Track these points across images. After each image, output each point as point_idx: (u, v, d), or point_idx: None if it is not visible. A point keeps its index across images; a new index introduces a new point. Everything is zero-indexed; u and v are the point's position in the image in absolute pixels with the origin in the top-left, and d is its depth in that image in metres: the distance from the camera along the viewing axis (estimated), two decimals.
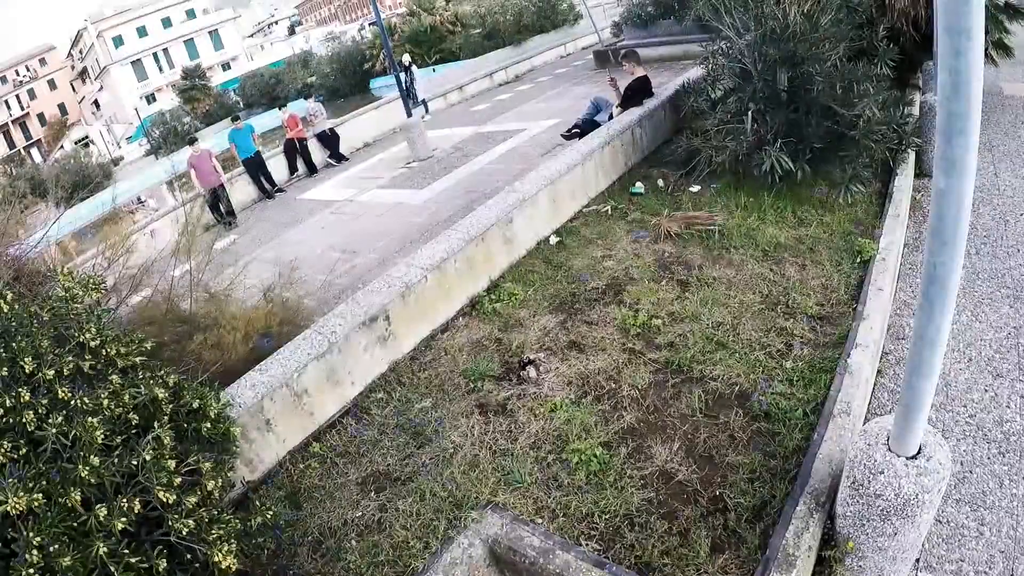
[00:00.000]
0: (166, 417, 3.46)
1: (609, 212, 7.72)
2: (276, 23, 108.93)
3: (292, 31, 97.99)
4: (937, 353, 2.87)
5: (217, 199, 14.19)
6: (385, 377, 5.47)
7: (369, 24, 58.73)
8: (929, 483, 3.13)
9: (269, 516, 3.83)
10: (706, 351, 5.18)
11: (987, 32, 10.37)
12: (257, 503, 4.14)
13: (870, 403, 5.11)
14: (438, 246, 6.19)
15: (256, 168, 15.36)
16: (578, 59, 25.90)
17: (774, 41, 7.62)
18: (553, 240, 7.33)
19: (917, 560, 3.89)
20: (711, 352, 5.17)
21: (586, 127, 10.00)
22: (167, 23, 72.59)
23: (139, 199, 20.96)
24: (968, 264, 6.74)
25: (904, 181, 7.39)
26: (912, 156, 7.95)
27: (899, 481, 3.13)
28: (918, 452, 3.23)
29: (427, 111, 20.28)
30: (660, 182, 8.47)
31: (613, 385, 4.98)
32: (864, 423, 3.84)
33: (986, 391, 5.13)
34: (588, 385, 5.03)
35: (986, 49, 10.68)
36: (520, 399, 4.97)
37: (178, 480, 3.20)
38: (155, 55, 71.70)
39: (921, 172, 8.45)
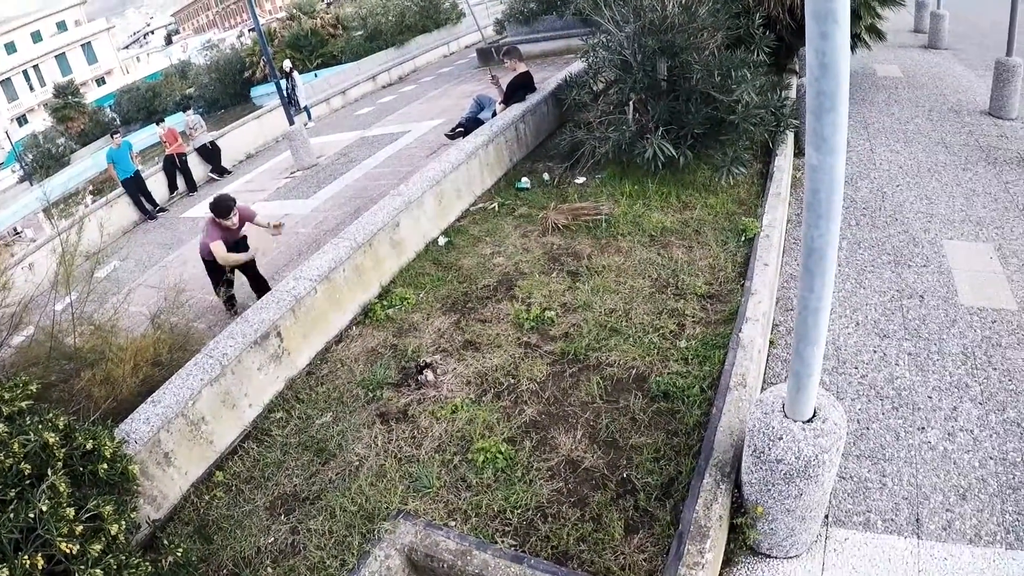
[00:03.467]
0: (60, 463, 3.31)
1: (496, 209, 7.74)
2: (152, 32, 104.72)
3: (169, 40, 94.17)
4: (821, 320, 2.97)
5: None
6: (283, 395, 5.33)
7: (248, 30, 57.17)
8: (827, 443, 3.25)
9: (180, 554, 3.73)
10: (601, 338, 5.25)
11: (860, 17, 10.94)
12: (166, 542, 4.03)
13: (765, 374, 5.27)
14: (326, 256, 6.06)
15: (136, 188, 14.52)
16: (461, 58, 25.92)
17: (653, 32, 7.76)
18: (442, 241, 7.29)
19: (826, 516, 4.03)
20: (606, 339, 5.23)
21: (470, 125, 9.97)
22: (37, 37, 67.71)
23: (15, 230, 19.94)
24: (849, 235, 7.07)
25: (784, 161, 7.65)
26: (791, 136, 8.24)
27: (798, 445, 3.25)
28: (813, 415, 3.36)
29: (310, 118, 19.92)
30: (546, 176, 8.54)
31: (512, 380, 5.00)
32: (760, 393, 3.97)
33: (875, 352, 5.41)
34: (487, 383, 5.03)
35: (859, 33, 11.28)
36: (420, 404, 4.93)
37: (80, 528, 3.08)
38: (25, 73, 67.69)
39: (800, 151, 8.75)
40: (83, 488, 3.44)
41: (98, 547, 3.09)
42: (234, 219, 6.87)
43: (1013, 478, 4.24)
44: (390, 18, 32.95)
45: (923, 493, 4.17)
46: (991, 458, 4.39)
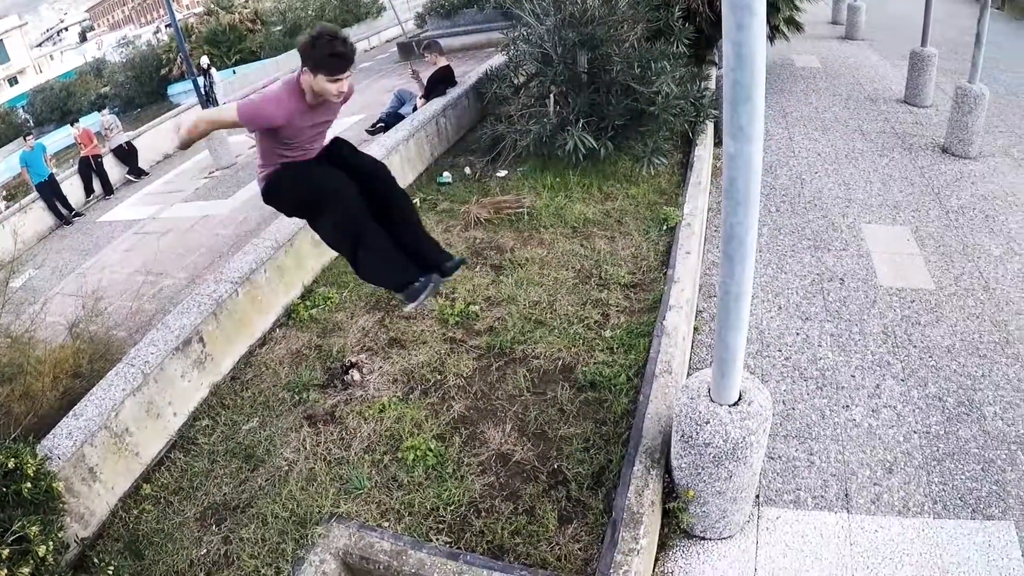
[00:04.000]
0: None
1: (418, 204, 7.64)
2: (66, 29, 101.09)
3: (84, 37, 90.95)
4: (743, 306, 3.03)
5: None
6: (208, 402, 5.18)
7: (165, 26, 55.61)
8: (753, 425, 3.33)
9: (111, 572, 3.64)
10: (526, 331, 5.27)
11: (778, 9, 11.25)
12: (96, 560, 3.93)
13: (690, 359, 5.35)
14: (246, 257, 5.94)
15: (51, 192, 13.95)
16: (382, 52, 25.64)
17: (573, 25, 7.82)
18: None
19: (757, 496, 4.12)
20: (531, 331, 5.26)
21: (390, 121, 9.94)
22: None
23: None
24: (770, 221, 7.24)
25: (703, 150, 7.78)
26: (711, 126, 8.40)
27: (725, 428, 3.32)
28: (739, 399, 3.43)
29: None
30: (467, 170, 8.51)
31: (439, 377, 4.98)
32: (686, 379, 4.06)
33: (798, 334, 5.56)
34: (414, 380, 5.00)
35: (778, 25, 11.56)
36: (348, 404, 4.87)
37: (6, 552, 3.01)
38: None
39: (720, 141, 8.74)
40: (7, 509, 3.33)
41: (26, 570, 3.02)
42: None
43: (937, 450, 4.41)
44: (310, 12, 32.67)
45: (850, 469, 4.31)
46: (915, 432, 4.56)
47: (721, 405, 3.41)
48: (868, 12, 16.03)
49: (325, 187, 3.96)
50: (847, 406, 4.82)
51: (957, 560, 3.72)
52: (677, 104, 7.50)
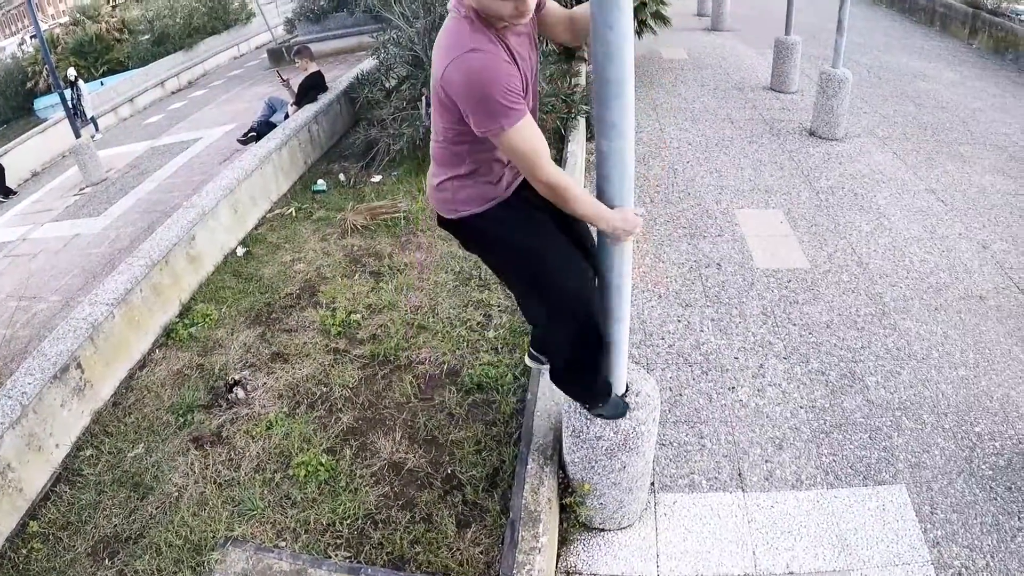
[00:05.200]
0: None
1: (294, 214, 7.61)
2: None
3: None
4: (624, 297, 3.08)
5: None
6: (90, 431, 4.99)
7: (30, 37, 52.67)
8: (642, 415, 3.39)
9: None
10: (409, 337, 5.29)
11: (645, 4, 11.45)
12: None
13: None
14: (121, 277, 5.76)
15: None
16: (252, 59, 25.18)
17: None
18: (240, 251, 7.10)
19: (652, 484, 4.19)
20: (414, 337, 5.28)
21: (262, 130, 9.77)
22: None
23: None
24: (645, 212, 7.34)
25: (576, 147, 7.87)
26: (583, 122, 8.49)
27: (615, 420, 3.37)
28: (627, 390, 3.49)
29: (97, 129, 18.80)
30: (342, 176, 8.48)
31: (324, 389, 4.95)
32: None
33: (679, 321, 5.67)
34: (299, 394, 4.95)
35: (645, 20, 11.78)
36: (234, 423, 4.78)
37: None
38: None
39: (592, 136, 8.94)
40: None
41: None
42: None
43: (824, 423, 4.61)
44: (178, 20, 31.41)
45: (741, 449, 4.44)
46: (801, 407, 4.74)
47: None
48: (732, 4, 16.55)
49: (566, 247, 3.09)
50: (733, 388, 4.97)
51: (854, 527, 3.89)
52: (549, 101, 7.64)
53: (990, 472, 4.26)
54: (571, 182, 2.63)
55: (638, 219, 2.73)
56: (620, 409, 3.37)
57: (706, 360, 5.24)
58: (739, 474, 4.27)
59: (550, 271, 3.00)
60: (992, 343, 5.39)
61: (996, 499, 4.11)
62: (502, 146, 2.53)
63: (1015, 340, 5.42)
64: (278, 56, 19.65)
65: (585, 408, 3.43)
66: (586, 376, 3.34)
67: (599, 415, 3.38)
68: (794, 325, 5.59)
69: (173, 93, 23.27)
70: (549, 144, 7.97)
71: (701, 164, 8.56)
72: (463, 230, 3.07)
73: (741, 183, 7.99)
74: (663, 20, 12.42)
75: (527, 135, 2.49)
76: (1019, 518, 3.97)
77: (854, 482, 4.19)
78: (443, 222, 3.08)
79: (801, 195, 7.60)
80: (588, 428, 3.42)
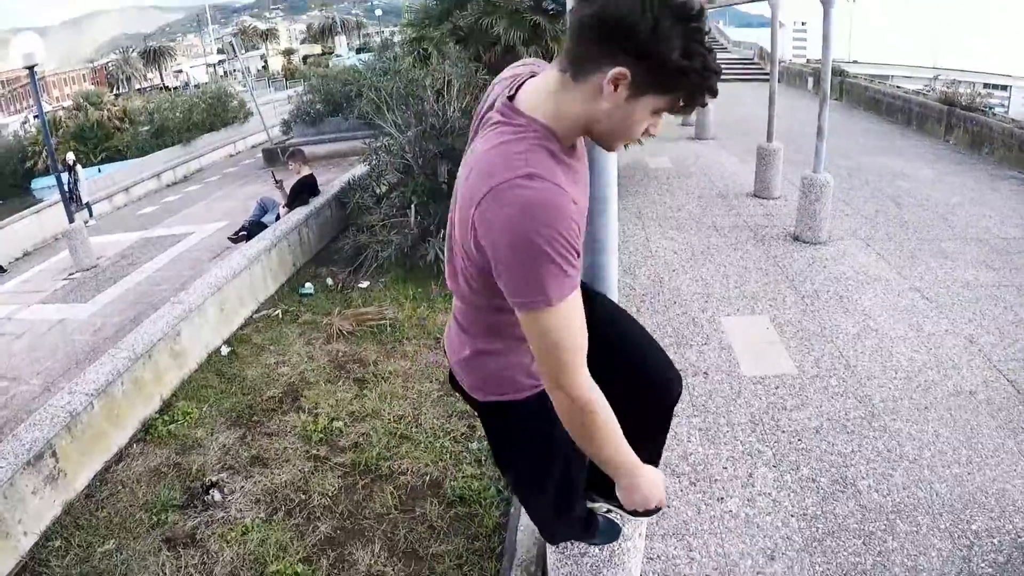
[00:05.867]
0: None
1: (280, 316, 7.62)
2: None
3: None
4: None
5: None
6: (60, 521, 4.88)
7: (34, 117, 53.55)
8: (628, 531, 3.27)
9: None
10: (391, 446, 5.23)
11: None
12: None
13: None
14: (103, 367, 5.71)
15: None
16: (248, 158, 25.52)
17: (434, 137, 8.02)
18: (224, 351, 7.06)
19: None
20: (396, 447, 5.22)
21: (253, 229, 9.82)
22: None
23: None
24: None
25: None
26: None
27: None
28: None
29: (91, 215, 18.90)
30: (329, 281, 8.50)
31: (303, 496, 4.87)
32: None
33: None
34: (277, 500, 4.86)
35: None
36: (209, 526, 4.68)
37: None
38: None
39: None
40: None
41: None
42: None
43: (816, 531, 4.49)
44: (178, 114, 32.11)
45: (732, 561, 4.31)
46: (792, 516, 4.63)
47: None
48: (716, 113, 16.99)
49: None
50: (722, 498, 4.85)
51: None
52: None
53: (990, 570, 4.21)
54: (605, 404, 1.80)
55: (663, 492, 2.14)
56: (615, 531, 3.19)
57: (694, 471, 5.12)
58: None
59: (576, 475, 2.53)
60: (984, 438, 5.37)
61: None
62: (529, 324, 1.67)
63: (1007, 433, 5.41)
64: (273, 156, 19.95)
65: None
66: (579, 532, 3.10)
67: (594, 544, 3.21)
68: (783, 432, 5.51)
69: (168, 186, 23.50)
70: None
71: (687, 272, 8.60)
72: (501, 417, 2.26)
73: (727, 290, 8.02)
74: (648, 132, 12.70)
75: (570, 319, 1.67)
76: None
77: None
78: (469, 399, 2.29)
79: (787, 300, 7.63)
80: (572, 544, 3.30)
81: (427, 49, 11.34)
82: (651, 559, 4.34)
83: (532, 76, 1.80)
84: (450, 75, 8.81)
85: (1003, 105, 29.20)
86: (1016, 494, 4.82)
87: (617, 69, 1.54)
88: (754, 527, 4.55)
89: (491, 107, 1.80)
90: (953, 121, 15.69)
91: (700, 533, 4.53)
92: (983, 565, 4.23)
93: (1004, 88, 32.78)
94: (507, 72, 1.92)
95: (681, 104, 1.70)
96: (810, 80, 25.52)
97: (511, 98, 1.75)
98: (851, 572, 4.19)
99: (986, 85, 31.59)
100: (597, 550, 3.24)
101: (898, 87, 20.98)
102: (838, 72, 22.65)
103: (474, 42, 10.98)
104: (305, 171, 9.98)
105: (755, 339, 6.88)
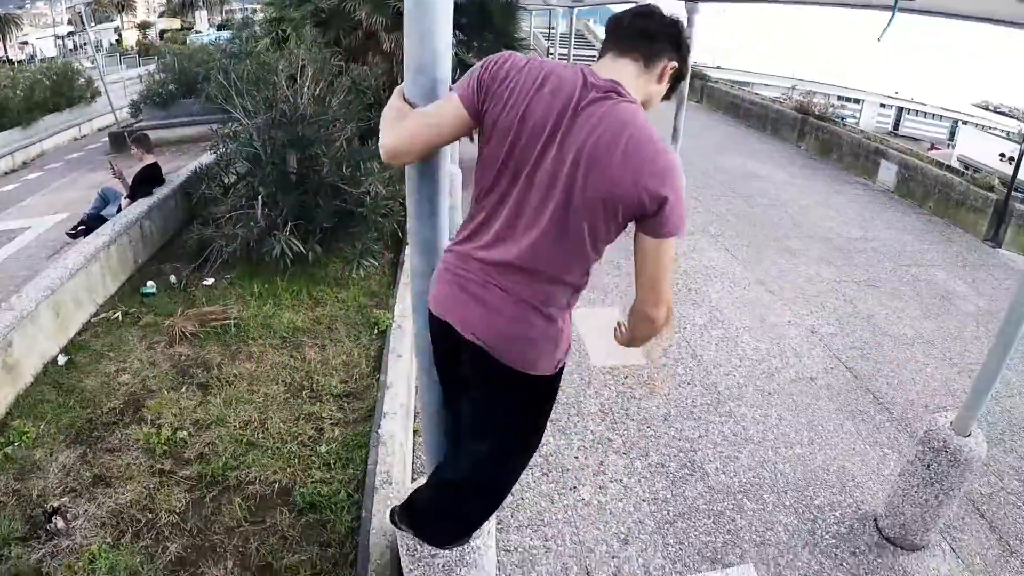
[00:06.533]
0: None
1: (120, 319, 7.19)
2: None
3: None
4: (444, 419, 3.01)
5: None
6: None
7: None
8: (476, 531, 3.27)
9: None
10: (238, 455, 5.02)
11: None
12: None
13: (413, 464, 5.29)
14: None
15: None
16: (94, 142, 24.27)
17: (283, 125, 7.73)
18: (62, 360, 6.58)
19: None
20: (243, 455, 5.01)
21: (92, 223, 9.25)
22: None
23: None
24: None
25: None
26: None
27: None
28: None
29: None
30: (173, 278, 8.05)
31: (150, 515, 4.59)
32: (412, 484, 4.00)
33: None
34: (124, 522, 4.56)
35: None
36: (54, 557, 4.34)
37: None
38: None
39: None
40: None
41: None
42: None
43: (667, 513, 4.71)
44: (18, 92, 29.88)
45: (587, 547, 4.43)
46: (643, 500, 4.82)
47: None
48: None
49: None
50: (575, 487, 4.98)
51: None
52: (386, 204, 7.61)
53: (833, 541, 4.53)
54: None
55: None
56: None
57: (546, 461, 5.24)
58: (587, 573, 4.25)
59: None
60: (824, 420, 5.77)
61: (842, 565, 4.36)
62: (665, 249, 2.28)
63: (845, 415, 5.83)
64: (120, 141, 18.92)
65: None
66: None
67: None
68: (632, 420, 5.70)
69: (5, 174, 22.03)
70: (388, 247, 7.93)
71: None
72: (549, 387, 2.67)
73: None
74: None
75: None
76: None
77: (702, 568, 4.29)
78: (525, 379, 2.52)
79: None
80: (421, 546, 3.29)
81: (286, 31, 11.01)
82: (508, 551, 4.40)
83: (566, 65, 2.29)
84: (304, 60, 8.51)
85: (855, 116, 31.56)
86: (855, 470, 5.18)
87: (672, 62, 2.40)
88: (607, 513, 4.71)
89: (586, 85, 2.19)
90: (806, 128, 16.63)
91: (555, 523, 4.64)
92: (827, 536, 4.56)
93: (857, 102, 35.48)
94: (530, 60, 2.29)
95: (671, 87, 2.49)
96: None
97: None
98: (703, 551, 4.41)
99: (840, 98, 34.20)
100: (447, 552, 3.23)
101: (757, 94, 21.85)
102: (701, 76, 23.54)
103: (335, 26, 10.75)
104: (148, 159, 9.46)
105: (605, 330, 6.96)
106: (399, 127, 2.29)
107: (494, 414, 2.65)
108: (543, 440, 5.23)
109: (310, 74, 8.35)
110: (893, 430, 5.78)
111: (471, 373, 2.59)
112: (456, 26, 9.96)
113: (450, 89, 2.31)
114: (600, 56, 2.40)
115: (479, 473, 2.82)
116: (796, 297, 7.97)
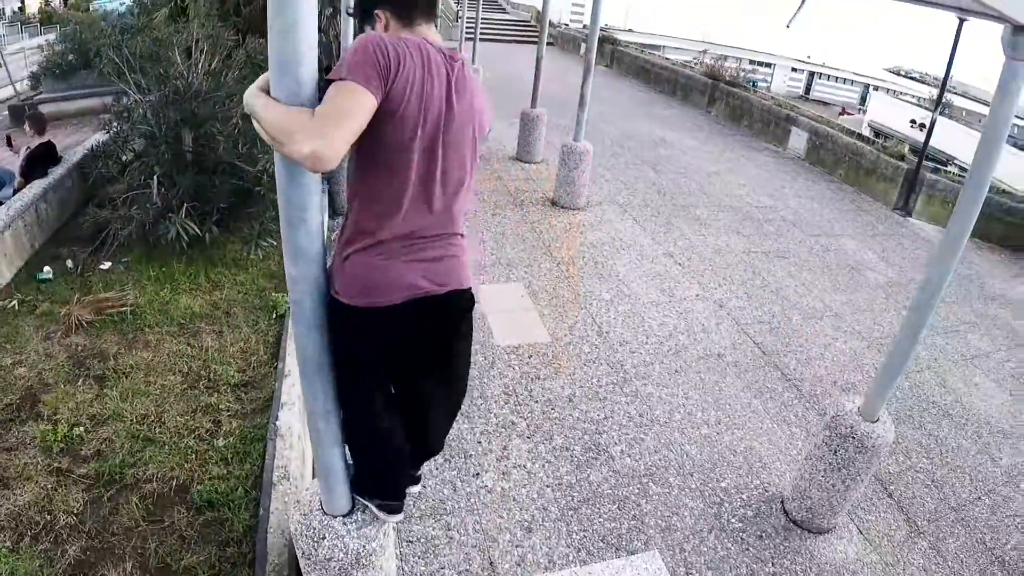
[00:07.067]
0: None
1: (15, 307, 6.92)
2: None
3: None
4: (333, 422, 2.98)
5: None
6: None
7: None
8: (372, 532, 3.27)
9: None
10: (135, 451, 4.92)
11: None
12: None
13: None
14: None
15: None
16: None
17: (177, 102, 7.51)
18: None
19: None
20: (140, 451, 4.92)
21: None
22: None
23: None
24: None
25: None
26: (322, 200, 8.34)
27: (343, 541, 3.23)
28: (353, 506, 3.34)
29: None
30: (69, 263, 7.77)
31: (48, 517, 4.47)
32: (309, 482, 3.96)
33: None
34: (22, 525, 4.44)
35: None
36: None
37: None
38: None
39: (335, 212, 9.01)
40: None
41: None
42: None
43: (572, 499, 4.72)
44: None
45: (490, 536, 4.43)
46: (548, 486, 4.83)
47: (334, 517, 3.31)
48: (485, 74, 17.03)
49: None
50: (477, 474, 4.95)
51: None
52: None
53: (740, 524, 4.58)
54: None
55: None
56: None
57: (448, 447, 5.16)
58: (490, 563, 4.26)
59: None
60: (732, 398, 5.79)
61: (748, 549, 4.43)
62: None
63: (753, 393, 5.85)
64: (20, 113, 18.03)
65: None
66: None
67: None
68: (536, 402, 5.67)
69: None
70: None
71: None
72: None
73: (483, 257, 8.08)
74: None
75: None
76: (773, 563, 4.32)
77: (607, 555, 4.31)
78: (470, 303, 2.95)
79: (542, 267, 7.80)
80: (316, 550, 3.28)
81: (184, 1, 10.65)
82: (410, 542, 4.38)
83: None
84: (199, 34, 8.27)
85: (766, 81, 31.81)
86: (762, 451, 5.23)
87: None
88: (511, 501, 4.69)
89: (447, 58, 2.51)
90: (717, 94, 16.79)
91: (457, 511, 4.61)
92: (733, 520, 4.61)
93: (768, 66, 35.76)
94: (405, 40, 2.39)
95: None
96: (583, 46, 26.17)
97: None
98: (608, 537, 4.45)
99: (751, 62, 34.43)
100: (341, 554, 3.22)
101: (667, 59, 21.93)
102: (611, 40, 23.49)
103: None
104: (42, 139, 9.12)
105: (510, 307, 7.02)
106: (323, 129, 2.11)
107: (469, 351, 3.14)
108: None
109: (204, 49, 8.13)
110: (801, 408, 5.90)
111: (461, 328, 2.94)
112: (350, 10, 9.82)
113: (340, 80, 2.21)
114: (414, 24, 2.57)
115: (451, 418, 3.43)
116: (704, 269, 8.04)
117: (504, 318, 6.83)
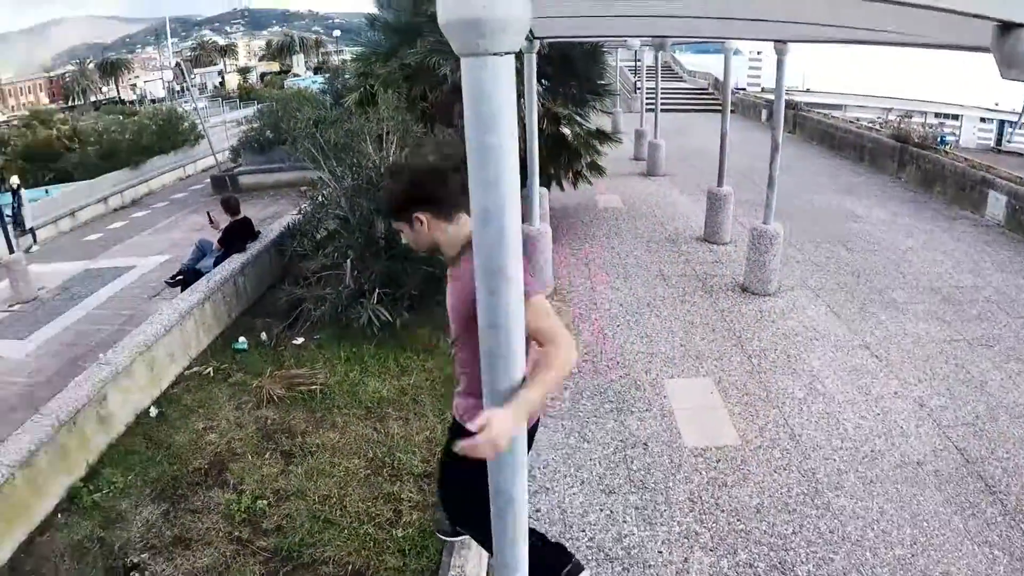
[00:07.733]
0: None
1: (211, 374, 7.29)
2: None
3: None
4: (520, 513, 2.77)
5: None
6: None
7: None
8: None
9: None
10: (315, 531, 4.96)
11: (580, 155, 11.73)
12: None
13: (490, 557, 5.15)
14: (25, 436, 5.38)
15: None
16: (197, 183, 25.23)
17: (369, 191, 7.77)
18: (153, 412, 6.73)
19: None
20: (319, 532, 4.95)
21: (189, 277, 9.51)
22: None
23: None
24: (572, 384, 7.04)
25: None
26: None
27: None
28: None
29: (35, 240, 18.53)
30: (263, 335, 8.14)
31: None
32: None
33: (601, 510, 5.31)
34: None
35: (580, 170, 12.06)
36: None
37: None
38: None
39: None
40: None
41: None
42: None
43: None
44: (127, 136, 31.38)
45: None
46: None
47: None
48: (668, 147, 16.99)
49: None
50: None
51: None
52: None
53: None
54: None
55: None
56: None
57: (628, 555, 4.91)
58: None
59: None
60: (930, 515, 5.22)
61: None
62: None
63: (954, 509, 5.27)
64: (221, 183, 19.58)
65: None
66: None
67: None
68: (722, 511, 5.30)
69: (116, 211, 23.04)
70: None
71: (632, 328, 8.39)
72: None
73: (672, 349, 7.80)
74: (599, 171, 12.64)
75: None
76: None
77: None
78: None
79: (732, 360, 7.45)
80: None
81: (373, 86, 11.12)
82: None
83: None
84: (388, 126, 8.59)
85: (955, 134, 29.82)
86: None
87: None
88: None
89: None
90: (905, 158, 15.86)
91: None
92: None
93: (955, 118, 33.54)
94: None
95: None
96: (763, 112, 25.64)
97: None
98: None
99: (937, 115, 32.43)
100: None
101: (852, 120, 21.20)
102: (792, 105, 22.83)
103: (421, 81, 10.78)
104: (237, 218, 9.73)
105: (698, 405, 6.69)
106: (569, 337, 2.59)
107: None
108: (627, 531, 5.07)
109: (394, 141, 8.40)
110: (1005, 526, 5.29)
111: None
112: (541, 75, 9.93)
113: (537, 294, 2.56)
114: (457, 218, 2.82)
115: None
116: (903, 362, 7.44)
117: (693, 416, 6.49)
